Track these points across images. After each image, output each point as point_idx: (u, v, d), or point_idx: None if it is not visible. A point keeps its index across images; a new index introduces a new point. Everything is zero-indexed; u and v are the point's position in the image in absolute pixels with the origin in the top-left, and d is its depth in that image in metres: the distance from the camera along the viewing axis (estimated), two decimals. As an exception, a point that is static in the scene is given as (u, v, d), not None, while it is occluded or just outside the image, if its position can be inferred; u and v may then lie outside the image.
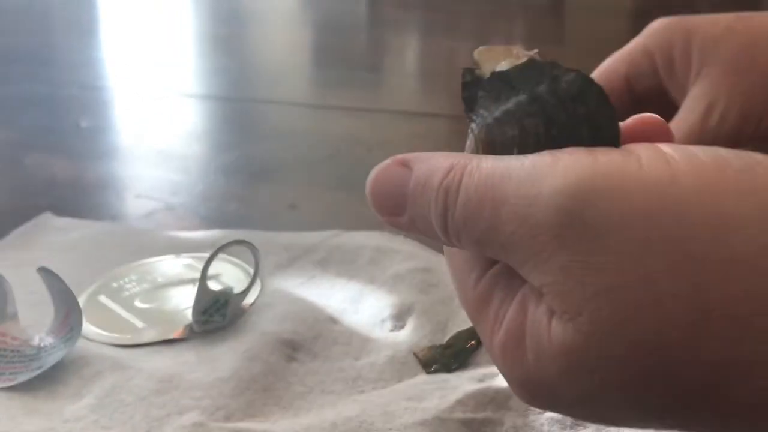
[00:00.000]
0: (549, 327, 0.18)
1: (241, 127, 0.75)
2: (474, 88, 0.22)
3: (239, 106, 0.82)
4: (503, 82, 0.21)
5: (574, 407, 0.19)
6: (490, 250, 0.20)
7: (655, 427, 0.19)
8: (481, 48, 0.23)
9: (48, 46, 1.12)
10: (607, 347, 0.17)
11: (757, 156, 0.18)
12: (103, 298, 0.41)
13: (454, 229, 0.20)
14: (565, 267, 0.18)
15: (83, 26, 1.24)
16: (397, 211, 0.22)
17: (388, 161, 0.23)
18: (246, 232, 0.47)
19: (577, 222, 0.18)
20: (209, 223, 0.51)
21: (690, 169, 0.18)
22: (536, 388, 0.19)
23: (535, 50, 0.22)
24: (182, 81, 0.91)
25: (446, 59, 1.05)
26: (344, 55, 1.06)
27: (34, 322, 0.38)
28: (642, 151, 0.19)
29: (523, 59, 0.22)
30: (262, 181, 0.59)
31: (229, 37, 1.19)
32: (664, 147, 0.19)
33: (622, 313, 0.17)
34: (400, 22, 1.30)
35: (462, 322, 0.38)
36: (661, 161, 0.18)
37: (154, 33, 1.19)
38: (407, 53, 1.13)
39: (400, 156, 0.22)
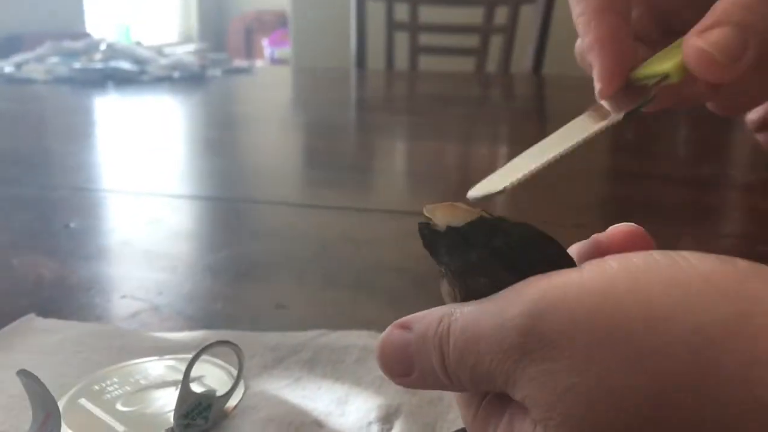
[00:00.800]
0: None
1: (230, 227, 0.75)
2: (432, 239, 0.26)
3: (228, 206, 0.83)
4: (459, 236, 0.25)
5: None
6: (481, 381, 0.23)
7: None
8: (428, 206, 0.27)
9: (41, 150, 1.13)
10: None
11: (682, 252, 0.21)
12: (83, 401, 0.40)
13: (452, 371, 0.23)
14: (533, 378, 0.20)
15: (76, 131, 1.26)
16: (408, 371, 0.25)
17: (390, 328, 0.26)
18: (232, 333, 0.47)
19: (536, 336, 0.20)
20: (194, 323, 0.51)
21: (624, 274, 0.20)
22: None
23: (479, 209, 0.26)
24: (171, 182, 0.93)
25: (432, 161, 1.07)
26: (333, 157, 1.08)
27: (11, 427, 0.37)
28: (586, 265, 0.22)
29: (470, 215, 0.26)
30: (250, 281, 0.59)
31: (220, 140, 1.21)
32: (608, 259, 0.22)
33: (584, 407, 0.19)
34: (387, 126, 1.33)
35: (451, 423, 0.37)
36: (599, 271, 0.21)
37: (146, 136, 1.22)
38: (394, 155, 1.16)
39: (399, 320, 0.26)
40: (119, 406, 0.40)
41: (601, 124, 0.30)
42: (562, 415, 0.19)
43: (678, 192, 0.90)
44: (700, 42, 0.28)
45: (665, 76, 0.30)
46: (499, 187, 0.28)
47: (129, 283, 0.57)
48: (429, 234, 0.27)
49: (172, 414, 0.37)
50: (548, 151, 0.30)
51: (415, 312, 0.27)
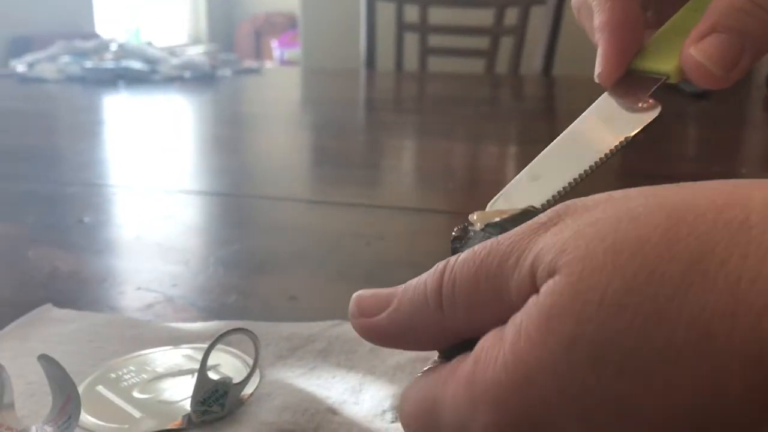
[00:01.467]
0: (536, 298, 0.20)
1: (241, 223, 0.76)
2: (462, 241, 0.26)
3: (239, 202, 0.83)
4: (496, 228, 0.25)
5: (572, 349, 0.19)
6: (482, 291, 0.22)
7: None
8: (477, 212, 0.26)
9: (54, 147, 1.14)
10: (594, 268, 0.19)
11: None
12: (101, 389, 0.41)
13: (448, 288, 0.23)
14: (555, 233, 0.20)
15: (89, 129, 1.27)
16: (382, 306, 0.25)
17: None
18: (246, 323, 0.47)
19: (560, 210, 0.22)
20: (208, 314, 0.51)
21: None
22: (525, 367, 0.19)
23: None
24: (183, 179, 0.93)
25: (442, 159, 1.07)
26: (343, 155, 1.08)
27: (31, 412, 0.38)
28: None
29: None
30: (262, 274, 0.59)
31: (230, 138, 1.22)
32: None
33: (608, 236, 0.19)
34: (396, 125, 1.34)
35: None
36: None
37: (157, 134, 1.22)
38: (404, 153, 1.16)
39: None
40: (136, 394, 0.41)
41: (616, 142, 0.30)
42: (581, 247, 0.19)
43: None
44: (695, 53, 0.28)
45: (666, 77, 0.30)
46: (532, 205, 0.28)
47: (142, 276, 0.58)
48: (460, 234, 0.26)
49: (188, 401, 0.38)
50: (567, 166, 0.30)
51: None
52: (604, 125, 0.30)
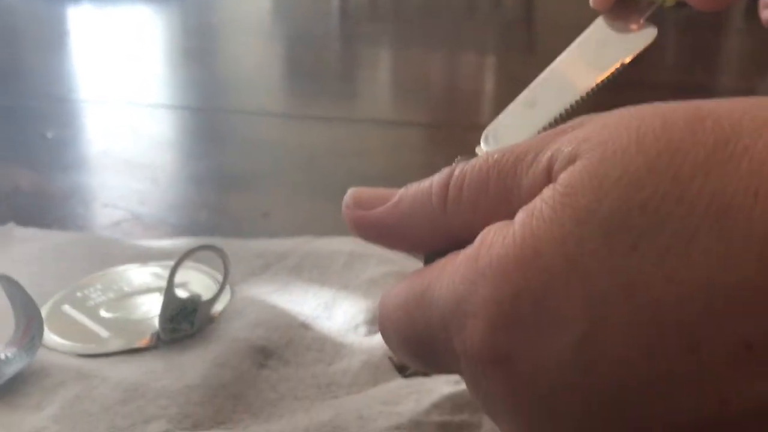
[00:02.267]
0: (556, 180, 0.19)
1: (212, 137, 0.74)
2: None
3: (210, 117, 0.81)
4: None
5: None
6: (494, 180, 0.21)
7: None
8: (461, 157, 0.24)
9: (15, 60, 1.10)
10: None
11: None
12: (66, 308, 0.40)
13: (458, 178, 0.21)
14: (574, 134, 0.19)
15: (51, 42, 1.22)
16: (385, 198, 0.23)
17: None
18: (217, 240, 0.46)
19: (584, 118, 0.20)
20: (179, 232, 0.50)
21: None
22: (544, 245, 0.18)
23: None
24: (151, 92, 0.90)
25: (419, 70, 1.05)
26: (317, 67, 1.05)
27: (-6, 333, 0.37)
28: None
29: None
30: (234, 190, 0.58)
31: (199, 49, 1.18)
32: None
33: (631, 125, 0.18)
34: (371, 34, 1.30)
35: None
36: None
37: (123, 46, 1.18)
38: (380, 64, 1.13)
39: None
40: (103, 313, 0.40)
41: (612, 67, 0.28)
42: (604, 134, 0.18)
43: (668, 99, 0.88)
44: None
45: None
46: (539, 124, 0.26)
47: (110, 193, 0.56)
48: None
49: (156, 319, 0.37)
50: (563, 92, 0.28)
51: None
52: (600, 50, 0.29)
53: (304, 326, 0.38)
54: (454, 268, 0.20)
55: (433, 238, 0.22)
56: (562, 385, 0.18)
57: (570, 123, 0.21)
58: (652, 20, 0.29)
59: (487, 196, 0.21)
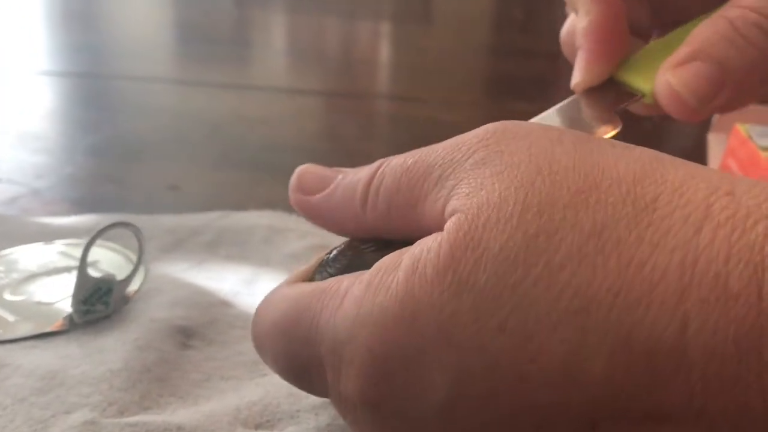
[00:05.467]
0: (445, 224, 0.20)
1: (108, 106, 0.70)
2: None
3: (103, 84, 0.77)
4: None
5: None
6: (404, 189, 0.22)
7: None
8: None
9: None
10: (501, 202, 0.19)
11: None
12: (-34, 292, 0.37)
13: (377, 182, 0.22)
14: (474, 166, 0.20)
15: None
16: (320, 187, 0.24)
17: None
18: (124, 216, 0.44)
19: (494, 137, 0.21)
20: (81, 207, 0.48)
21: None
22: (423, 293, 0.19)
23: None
24: (36, 58, 0.85)
25: (315, 35, 1.03)
26: (211, 31, 1.02)
27: None
28: None
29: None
30: (138, 162, 0.56)
31: (86, 13, 1.12)
32: None
33: (524, 180, 0.19)
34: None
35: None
36: None
37: (3, 10, 1.10)
38: (275, 29, 1.11)
39: None
40: (7, 296, 0.37)
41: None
42: (495, 192, 0.19)
43: (568, 68, 0.91)
44: (672, 79, 0.26)
45: (642, 96, 0.28)
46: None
47: (3, 167, 0.53)
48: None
49: (68, 301, 0.35)
50: None
51: None
52: (568, 125, 0.28)
53: (226, 304, 0.38)
54: (339, 303, 0.21)
55: (358, 231, 0.24)
56: None
57: (484, 134, 0.21)
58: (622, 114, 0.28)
59: (398, 201, 0.22)
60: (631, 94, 0.29)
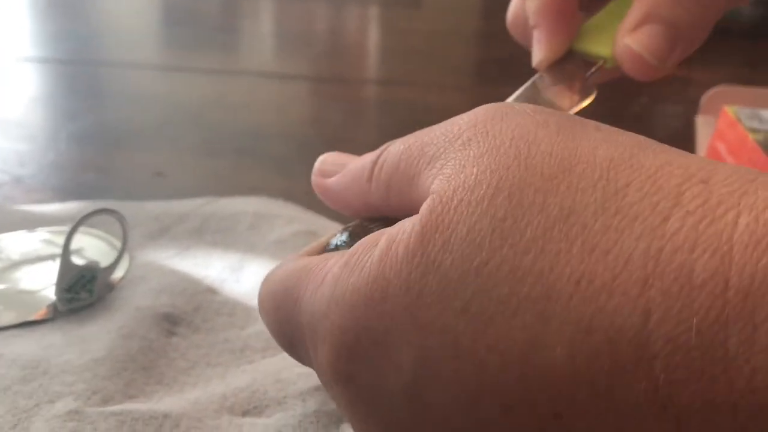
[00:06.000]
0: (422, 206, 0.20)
1: (91, 93, 0.69)
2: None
3: (87, 70, 0.76)
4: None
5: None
6: (403, 169, 0.22)
7: None
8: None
9: None
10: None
11: None
12: (-53, 281, 0.37)
13: (381, 161, 0.23)
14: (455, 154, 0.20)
15: None
16: (337, 170, 0.26)
17: None
18: (108, 203, 0.44)
19: (481, 126, 0.21)
20: (64, 195, 0.47)
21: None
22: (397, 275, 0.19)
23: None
24: (20, 45, 0.84)
25: (303, 20, 1.03)
26: (195, 16, 1.01)
27: None
28: None
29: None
30: (121, 149, 0.55)
31: (69, -3, 1.10)
32: None
33: (499, 166, 0.19)
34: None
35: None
36: None
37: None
38: (262, 14, 1.10)
39: None
40: (-10, 284, 0.37)
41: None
42: (472, 175, 0.19)
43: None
44: (631, 42, 0.28)
45: (603, 61, 0.30)
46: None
47: (-17, 154, 0.52)
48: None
49: (51, 289, 0.35)
50: None
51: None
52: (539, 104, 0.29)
53: (211, 290, 0.37)
54: (321, 280, 0.22)
55: (366, 209, 0.25)
56: (392, 414, 0.20)
57: (472, 119, 0.21)
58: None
59: (396, 180, 0.22)
60: (591, 63, 0.30)
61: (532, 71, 0.32)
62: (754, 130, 0.46)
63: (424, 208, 0.19)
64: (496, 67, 0.84)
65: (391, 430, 0.20)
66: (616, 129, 0.20)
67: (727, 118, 0.48)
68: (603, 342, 0.16)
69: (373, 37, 1.03)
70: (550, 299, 0.17)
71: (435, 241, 0.18)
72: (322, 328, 0.21)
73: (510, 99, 0.29)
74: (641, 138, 0.20)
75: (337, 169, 0.26)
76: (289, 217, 0.42)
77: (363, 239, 0.21)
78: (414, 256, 0.19)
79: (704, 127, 0.54)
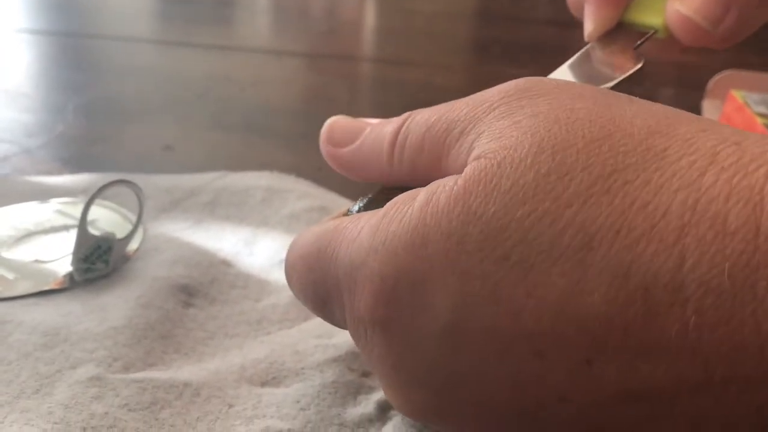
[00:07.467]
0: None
1: (96, 66, 0.69)
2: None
3: (87, 43, 0.75)
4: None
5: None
6: (428, 143, 0.23)
7: None
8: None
9: None
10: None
11: None
12: (-38, 250, 0.37)
13: (404, 132, 0.23)
14: (498, 118, 0.21)
15: None
16: (351, 140, 0.26)
17: None
18: (119, 175, 0.44)
19: (515, 92, 0.22)
20: (74, 167, 0.47)
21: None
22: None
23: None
24: (19, 16, 0.83)
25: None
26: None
27: None
28: None
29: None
30: (130, 122, 0.55)
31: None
32: None
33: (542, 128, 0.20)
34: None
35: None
36: None
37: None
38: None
39: None
40: (4, 254, 0.37)
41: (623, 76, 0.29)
42: (512, 137, 0.20)
43: (548, 32, 0.91)
44: (681, 7, 0.28)
45: (654, 31, 0.29)
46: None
47: (-9, 125, 0.52)
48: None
49: (67, 259, 0.35)
50: None
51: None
52: (585, 75, 0.29)
53: (226, 263, 0.38)
54: (358, 230, 0.22)
55: (387, 180, 0.25)
56: (427, 358, 0.20)
57: (505, 90, 0.22)
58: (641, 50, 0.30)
59: (422, 158, 0.23)
60: (643, 33, 0.30)
61: (534, 53, 0.32)
62: (762, 115, 0.46)
63: (468, 168, 0.20)
64: (497, 47, 0.84)
65: (421, 377, 0.21)
66: (649, 101, 0.21)
67: (735, 102, 0.49)
68: (639, 287, 0.17)
69: (374, 14, 1.03)
70: (591, 248, 0.17)
71: (477, 194, 0.19)
72: (362, 275, 0.21)
73: (561, 68, 0.30)
74: (674, 110, 0.20)
75: (349, 137, 0.26)
76: (301, 192, 0.42)
77: (399, 196, 0.22)
78: (456, 206, 0.19)
79: (711, 111, 0.54)
